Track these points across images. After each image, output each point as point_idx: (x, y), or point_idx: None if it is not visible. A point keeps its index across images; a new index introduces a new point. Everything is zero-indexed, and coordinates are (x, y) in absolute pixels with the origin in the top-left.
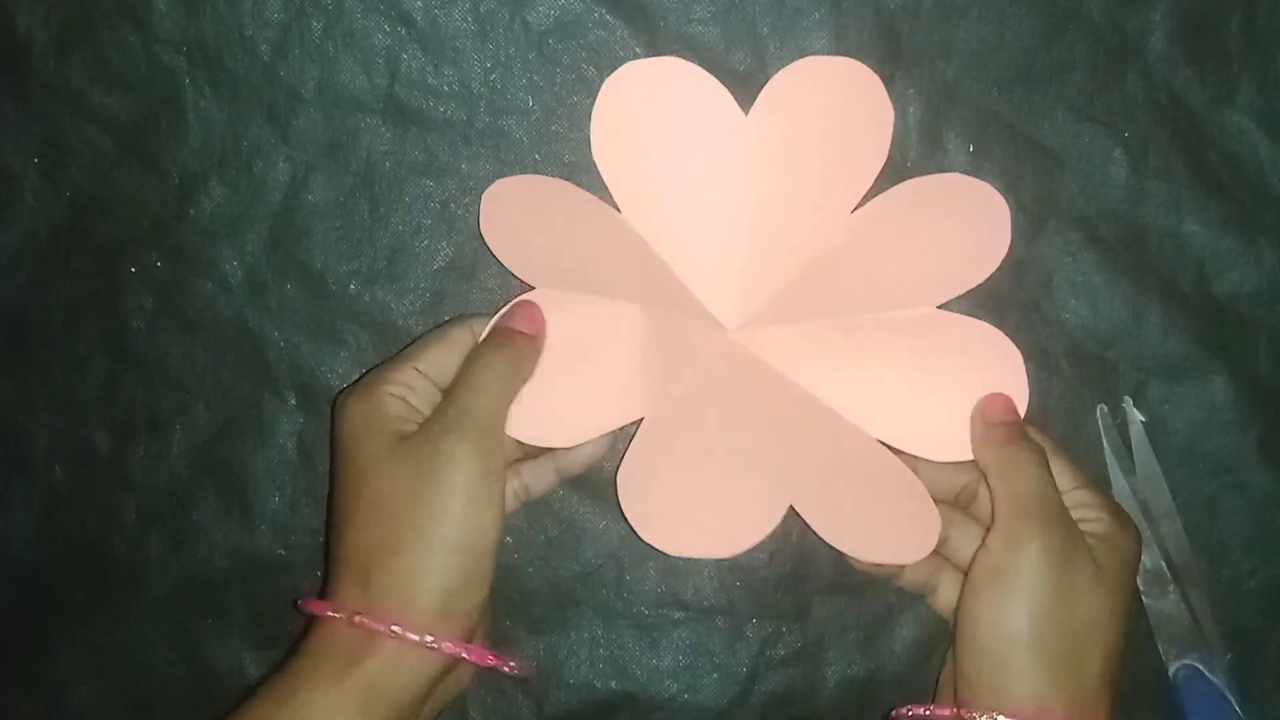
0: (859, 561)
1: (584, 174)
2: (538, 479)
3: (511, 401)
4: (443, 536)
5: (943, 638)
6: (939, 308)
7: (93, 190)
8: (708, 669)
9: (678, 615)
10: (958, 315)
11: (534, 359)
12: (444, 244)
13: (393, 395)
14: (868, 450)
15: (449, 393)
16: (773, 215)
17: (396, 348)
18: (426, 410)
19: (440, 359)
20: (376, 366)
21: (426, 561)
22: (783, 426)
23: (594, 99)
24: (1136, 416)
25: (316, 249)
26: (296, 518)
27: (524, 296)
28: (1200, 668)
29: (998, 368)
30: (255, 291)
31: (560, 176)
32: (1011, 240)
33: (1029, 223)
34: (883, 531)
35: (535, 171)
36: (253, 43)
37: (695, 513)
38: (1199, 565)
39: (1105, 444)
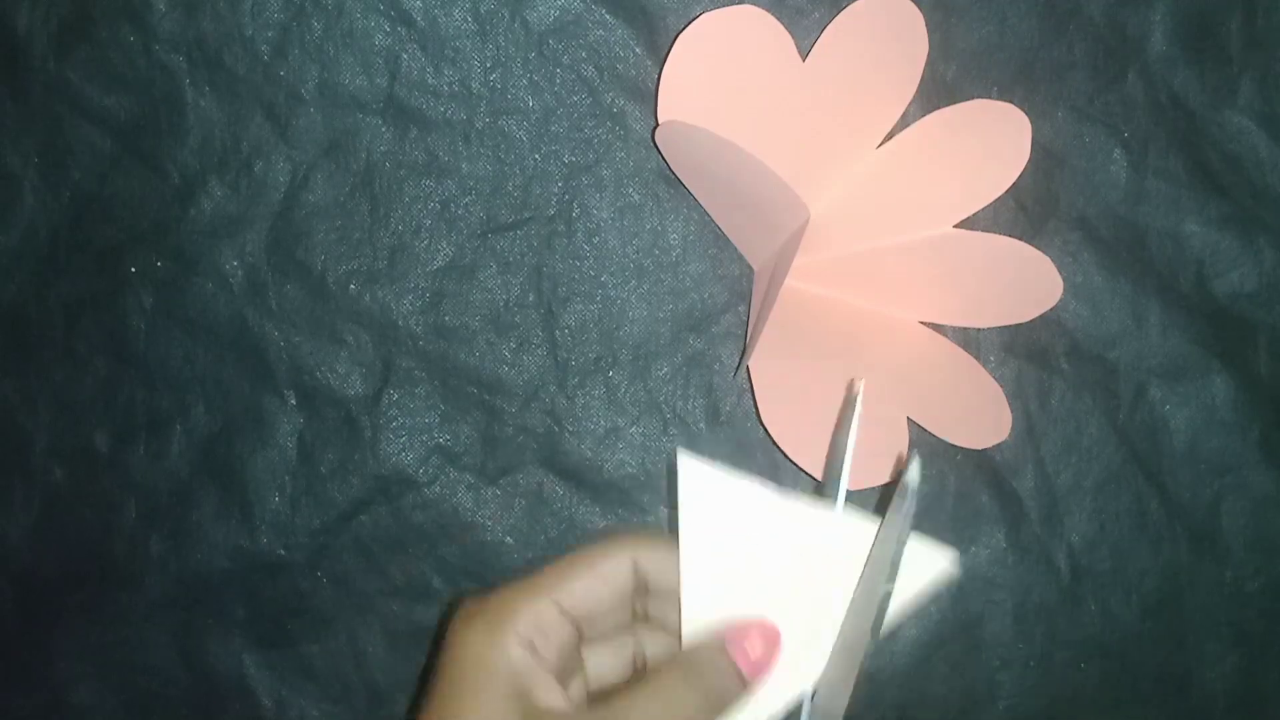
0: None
1: (584, 173)
2: None
3: None
4: None
5: (945, 639)
6: (959, 226)
7: (93, 190)
8: None
9: None
10: (975, 233)
11: (732, 707)
12: (444, 244)
13: (519, 642)
14: (936, 344)
15: (615, 708)
16: (809, 156)
17: (395, 348)
18: (554, 657)
19: (585, 593)
20: (511, 586)
21: None
22: (863, 347)
23: (594, 98)
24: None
25: (316, 249)
26: (296, 517)
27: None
28: None
29: (1031, 275)
30: (255, 291)
31: (559, 177)
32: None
33: (1029, 223)
34: (972, 419)
35: (535, 171)
36: (252, 43)
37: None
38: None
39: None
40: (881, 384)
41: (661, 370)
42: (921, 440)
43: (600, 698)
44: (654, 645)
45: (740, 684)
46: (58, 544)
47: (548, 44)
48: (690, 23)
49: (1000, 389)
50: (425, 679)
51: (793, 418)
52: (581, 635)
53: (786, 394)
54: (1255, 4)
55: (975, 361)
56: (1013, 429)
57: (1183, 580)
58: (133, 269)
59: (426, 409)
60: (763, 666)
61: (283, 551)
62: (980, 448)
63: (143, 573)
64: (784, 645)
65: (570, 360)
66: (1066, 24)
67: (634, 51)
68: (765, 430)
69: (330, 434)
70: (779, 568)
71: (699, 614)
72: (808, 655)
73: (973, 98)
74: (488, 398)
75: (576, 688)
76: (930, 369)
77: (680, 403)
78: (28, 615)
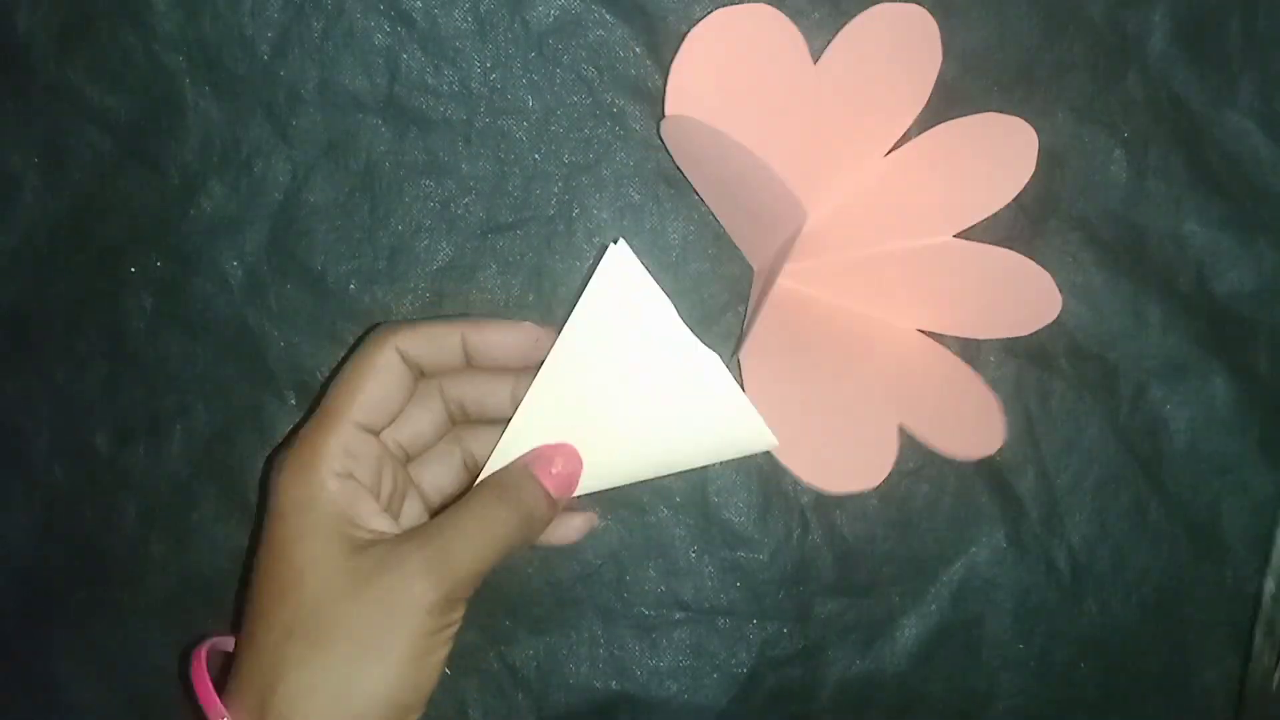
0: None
1: (584, 174)
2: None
3: (500, 561)
4: (374, 692)
5: (944, 640)
6: (961, 236)
7: (93, 190)
8: (708, 669)
9: (678, 615)
10: (976, 243)
11: (546, 525)
12: (444, 244)
13: (337, 476)
14: (933, 352)
15: (434, 524)
16: (816, 159)
17: None
18: (369, 480)
19: (377, 400)
20: (310, 423)
21: (344, 709)
22: (858, 351)
23: (594, 98)
24: None
25: (316, 249)
26: None
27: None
28: None
29: (1031, 289)
30: (255, 291)
31: (560, 177)
32: (1038, 167)
33: (1029, 223)
34: (966, 429)
35: (535, 171)
36: (252, 43)
37: (833, 450)
38: None
39: None
40: (876, 390)
41: None
42: (919, 443)
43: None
44: (479, 443)
45: (549, 502)
46: (58, 544)
47: (547, 44)
48: (703, 17)
49: (996, 399)
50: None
51: (781, 417)
52: (400, 451)
53: (777, 392)
54: (1256, 4)
55: (971, 370)
56: (1013, 429)
57: (1183, 580)
58: (132, 269)
59: None
60: (567, 483)
61: None
62: (973, 458)
63: (143, 573)
64: (598, 451)
65: None
66: (1066, 24)
67: (634, 51)
68: None
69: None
70: (642, 388)
71: (544, 404)
72: (611, 463)
73: (973, 98)
74: None
75: (413, 507)
76: (926, 377)
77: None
78: (28, 615)
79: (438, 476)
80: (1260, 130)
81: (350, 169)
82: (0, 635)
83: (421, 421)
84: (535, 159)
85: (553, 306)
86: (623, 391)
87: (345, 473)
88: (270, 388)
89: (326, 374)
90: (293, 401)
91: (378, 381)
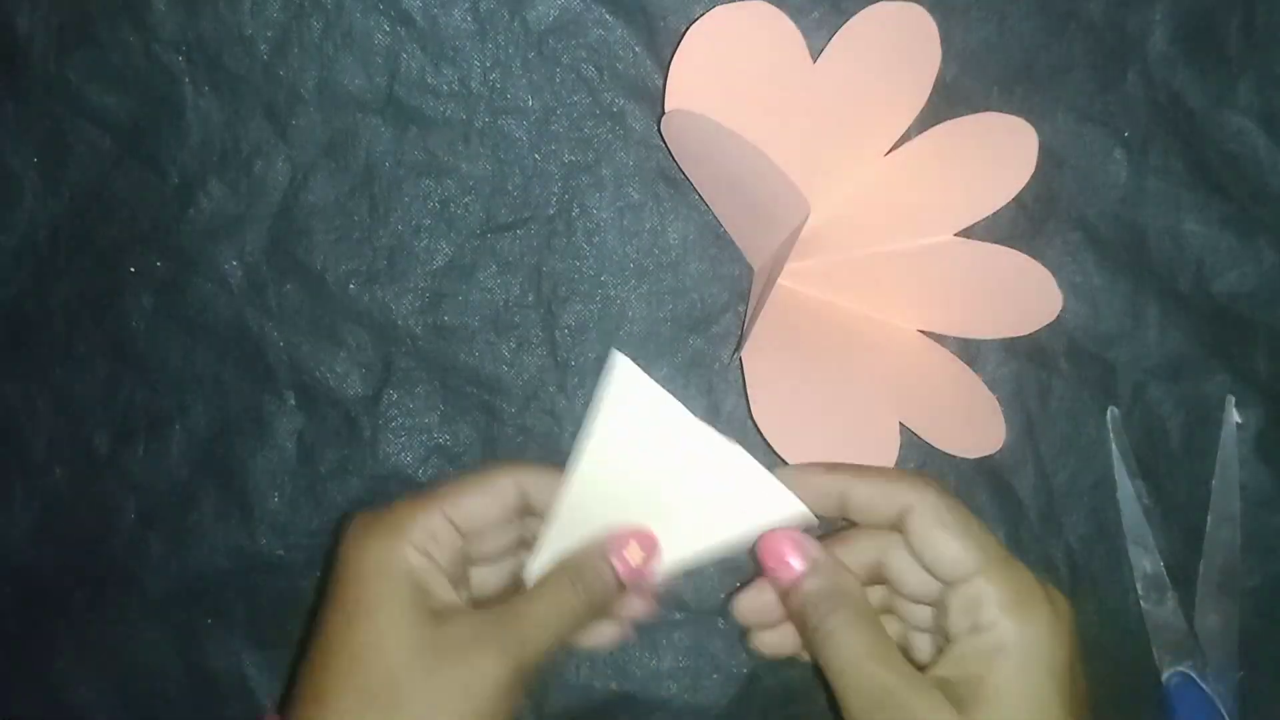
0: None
1: (583, 173)
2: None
3: (566, 643)
4: None
5: None
6: (961, 235)
7: (92, 190)
8: (708, 670)
9: (678, 616)
10: (976, 242)
11: (613, 606)
12: (443, 244)
13: (415, 548)
14: (933, 353)
15: (511, 607)
16: (815, 159)
17: (395, 348)
18: (446, 564)
19: (475, 508)
20: (400, 502)
21: None
22: (858, 351)
23: (594, 98)
24: (1233, 416)
25: (316, 249)
26: (296, 518)
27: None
28: (1193, 676)
29: (1031, 289)
30: (255, 291)
31: (559, 177)
32: (1038, 165)
33: (1029, 222)
34: (966, 429)
35: (534, 170)
36: (252, 42)
37: (836, 447)
38: (1239, 578)
39: (1114, 447)
40: (876, 389)
41: (661, 370)
42: (919, 442)
43: (483, 604)
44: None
45: (619, 588)
46: (58, 544)
47: (547, 43)
48: (703, 14)
49: (995, 399)
50: (320, 598)
51: (783, 415)
52: (469, 552)
53: (778, 390)
54: (1255, 4)
55: (971, 371)
56: (1012, 428)
57: (1181, 580)
58: (132, 269)
59: (426, 409)
60: (642, 572)
61: (282, 552)
62: (972, 457)
63: (142, 573)
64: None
65: (570, 360)
66: (1066, 24)
67: (633, 51)
68: (754, 423)
69: (330, 434)
70: (668, 486)
71: (575, 510)
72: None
73: (973, 98)
74: (487, 398)
75: (463, 597)
76: (926, 376)
77: (680, 403)
78: (28, 615)
79: (487, 579)
80: (1260, 129)
81: (350, 168)
82: (0, 635)
83: (500, 540)
84: (535, 158)
85: (552, 307)
86: (650, 491)
87: (423, 549)
88: (269, 387)
89: (326, 373)
90: (292, 402)
91: (484, 494)
